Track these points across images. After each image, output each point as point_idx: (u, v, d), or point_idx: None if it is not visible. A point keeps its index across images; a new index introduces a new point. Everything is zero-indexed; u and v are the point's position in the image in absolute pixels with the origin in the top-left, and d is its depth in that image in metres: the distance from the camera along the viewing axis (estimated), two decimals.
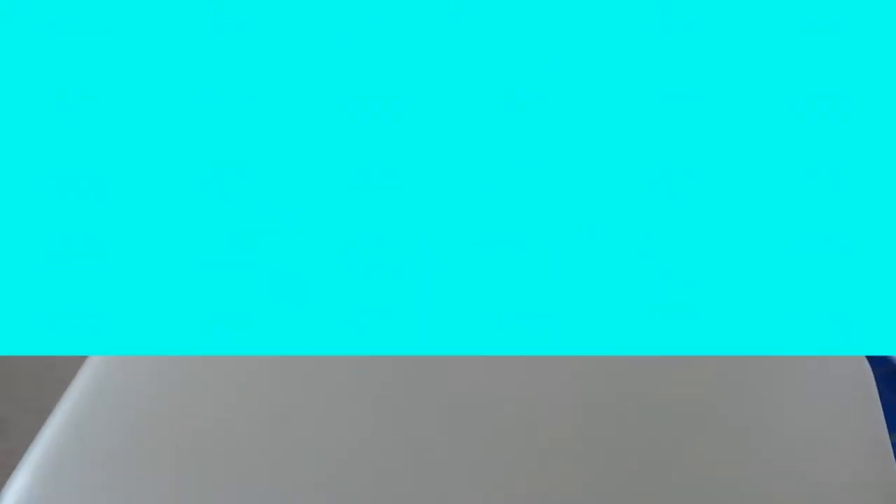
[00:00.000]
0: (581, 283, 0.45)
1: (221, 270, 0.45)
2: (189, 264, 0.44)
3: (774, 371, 0.50)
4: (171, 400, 0.45)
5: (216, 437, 0.44)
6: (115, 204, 0.44)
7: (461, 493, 0.42)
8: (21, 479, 0.41)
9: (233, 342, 0.45)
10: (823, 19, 0.44)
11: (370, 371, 0.47)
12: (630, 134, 0.45)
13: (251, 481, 0.42)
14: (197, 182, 0.44)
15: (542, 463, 0.44)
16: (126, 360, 0.47)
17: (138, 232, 0.44)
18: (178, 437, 0.43)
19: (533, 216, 0.45)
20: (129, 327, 0.44)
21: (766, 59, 0.45)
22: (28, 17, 0.44)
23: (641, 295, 0.45)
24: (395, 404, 0.46)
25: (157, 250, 0.44)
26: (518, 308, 0.45)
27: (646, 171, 0.45)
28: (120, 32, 0.44)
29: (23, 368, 1.01)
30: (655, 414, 0.47)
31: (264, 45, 0.44)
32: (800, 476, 0.45)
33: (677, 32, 0.45)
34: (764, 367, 0.50)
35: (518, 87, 0.45)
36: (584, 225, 0.45)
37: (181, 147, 0.44)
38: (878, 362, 0.52)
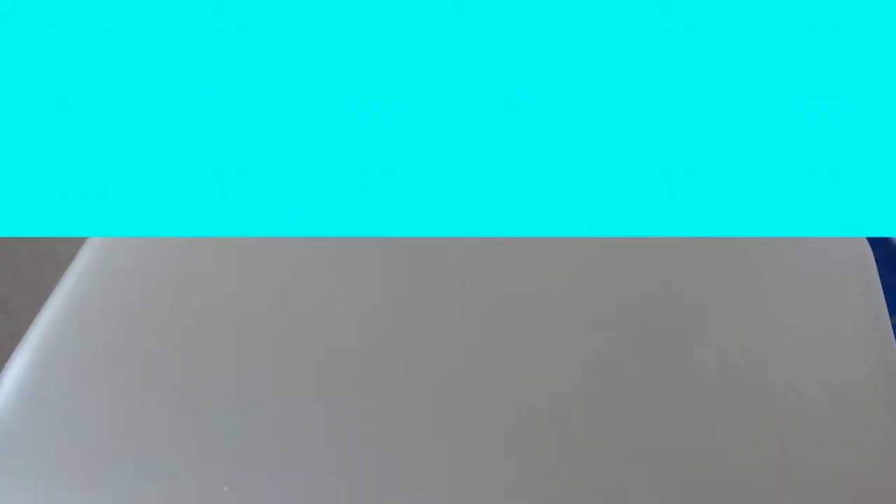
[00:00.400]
0: (583, 163, 0.45)
1: (222, 150, 0.44)
2: (190, 144, 0.44)
3: (775, 253, 0.50)
4: (170, 281, 0.45)
5: (216, 319, 0.44)
6: (115, 83, 0.44)
7: (462, 373, 0.42)
8: (21, 360, 0.41)
9: (233, 223, 0.45)
10: None
11: (371, 252, 0.47)
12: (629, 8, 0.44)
13: (251, 362, 0.42)
14: (198, 58, 0.44)
15: (541, 342, 0.44)
16: (126, 242, 0.47)
17: (139, 112, 0.44)
18: (178, 318, 0.44)
19: (536, 96, 0.44)
20: (129, 208, 0.44)
21: None
22: None
23: (643, 176, 0.45)
24: (396, 286, 0.46)
25: (157, 129, 0.44)
26: (518, 189, 0.45)
27: (649, 48, 0.44)
28: None
29: (24, 249, 1.01)
30: (654, 295, 0.47)
31: None
32: (800, 357, 0.45)
33: None
34: (764, 248, 0.50)
35: None
36: (586, 106, 0.44)
37: (178, 22, 0.44)
38: (878, 243, 0.52)
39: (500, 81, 0.44)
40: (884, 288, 0.49)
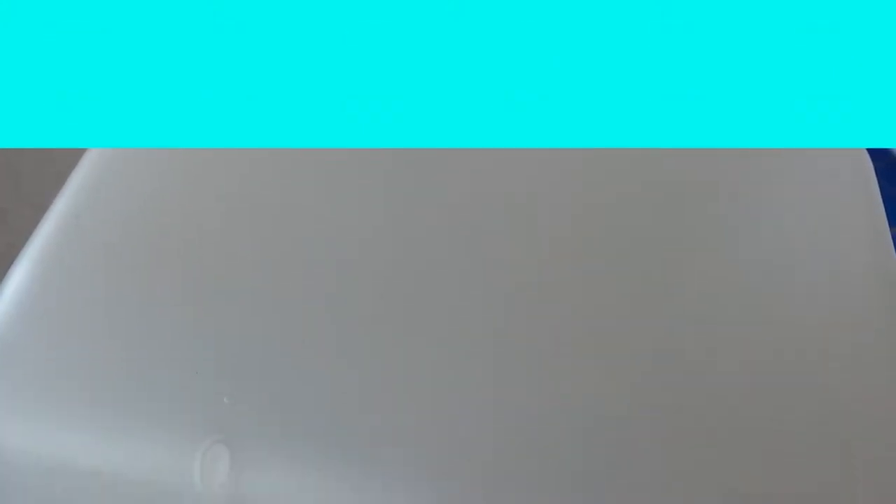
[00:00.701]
0: (582, 73, 0.44)
1: (221, 60, 0.44)
2: (189, 53, 0.44)
3: (774, 164, 0.50)
4: (171, 192, 0.45)
5: (217, 229, 0.44)
6: None
7: (462, 285, 0.43)
8: (20, 271, 0.42)
9: (232, 134, 0.45)
10: None
11: (374, 162, 0.47)
12: None
13: (253, 273, 0.42)
14: None
15: (545, 252, 0.44)
16: (126, 153, 0.47)
17: (137, 19, 0.43)
18: (179, 229, 0.44)
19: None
20: (128, 119, 0.44)
21: None
22: None
23: (641, 84, 0.44)
24: (399, 195, 0.46)
25: (155, 38, 0.43)
26: (519, 98, 0.45)
27: None
28: None
29: (24, 161, 1.00)
30: (654, 206, 0.47)
31: None
32: (800, 269, 0.45)
33: None
34: (763, 160, 0.50)
35: None
36: (585, 10, 0.44)
37: None
38: (878, 155, 0.52)
39: None
40: (883, 200, 0.49)
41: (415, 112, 0.44)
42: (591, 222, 0.46)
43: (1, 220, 0.94)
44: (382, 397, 0.39)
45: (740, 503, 0.38)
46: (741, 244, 0.46)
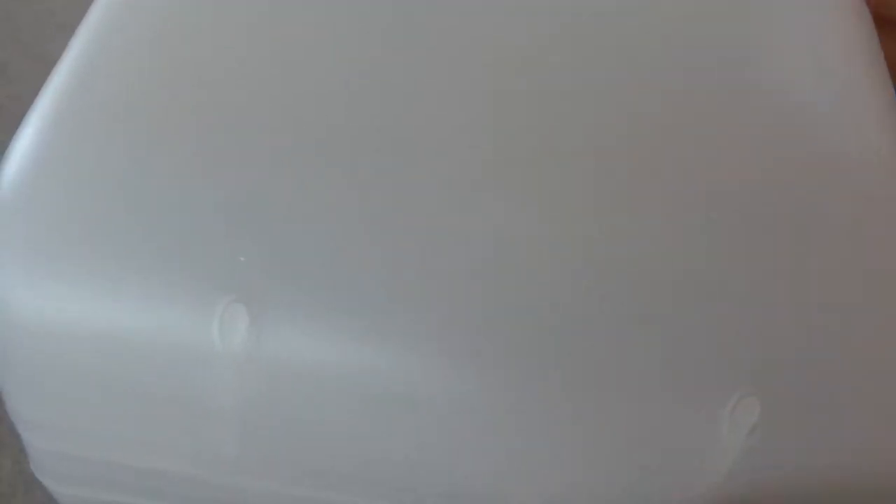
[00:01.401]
0: None
1: None
2: None
3: None
4: (182, 42, 0.44)
5: (231, 81, 0.43)
6: None
7: (472, 127, 0.42)
8: (30, 129, 0.41)
9: None
10: None
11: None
12: None
13: (267, 126, 0.41)
14: None
15: (544, 56, 0.44)
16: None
17: None
18: (193, 82, 0.43)
19: None
20: None
21: None
22: None
23: None
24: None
25: None
26: None
27: None
28: None
29: (22, 12, 0.99)
30: (655, 20, 0.47)
31: None
32: (797, 76, 0.45)
33: None
34: None
35: None
36: None
37: None
38: None
39: None
40: None
41: None
42: (593, 29, 0.46)
43: (1, 73, 0.93)
44: (405, 257, 0.38)
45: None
46: (737, 55, 0.46)
